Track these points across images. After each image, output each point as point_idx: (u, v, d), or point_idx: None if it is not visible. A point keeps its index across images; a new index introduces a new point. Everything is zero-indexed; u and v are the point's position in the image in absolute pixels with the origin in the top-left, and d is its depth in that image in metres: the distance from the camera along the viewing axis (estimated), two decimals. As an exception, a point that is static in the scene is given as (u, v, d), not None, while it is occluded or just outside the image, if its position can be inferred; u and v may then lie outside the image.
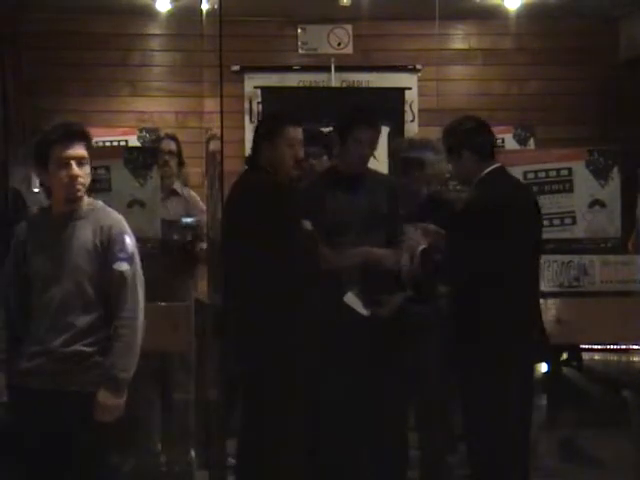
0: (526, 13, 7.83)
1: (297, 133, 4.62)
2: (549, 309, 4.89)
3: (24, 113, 7.45)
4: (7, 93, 7.25)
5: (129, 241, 3.86)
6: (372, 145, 4.78)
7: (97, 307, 3.82)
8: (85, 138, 3.89)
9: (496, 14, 7.94)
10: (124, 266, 3.82)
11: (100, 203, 3.99)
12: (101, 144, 7.35)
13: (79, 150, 3.84)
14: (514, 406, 4.27)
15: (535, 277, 4.51)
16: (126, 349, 3.81)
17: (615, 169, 5.47)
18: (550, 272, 5.25)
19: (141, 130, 7.67)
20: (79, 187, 3.84)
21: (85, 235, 3.84)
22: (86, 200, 3.93)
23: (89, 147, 3.90)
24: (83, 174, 3.85)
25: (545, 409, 6.76)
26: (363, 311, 4.57)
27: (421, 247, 4.43)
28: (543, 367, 7.01)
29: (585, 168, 5.49)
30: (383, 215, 4.76)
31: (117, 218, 3.94)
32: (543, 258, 4.87)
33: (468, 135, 4.38)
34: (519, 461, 4.35)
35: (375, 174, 4.98)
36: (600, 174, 5.46)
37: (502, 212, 4.22)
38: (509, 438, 4.26)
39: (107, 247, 3.82)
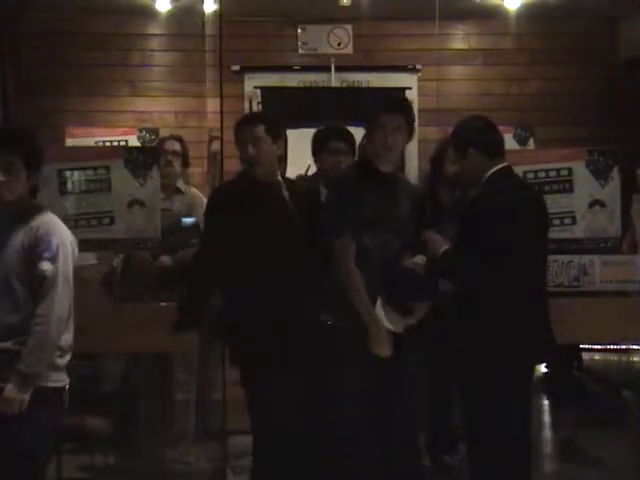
0: (526, 13, 7.83)
1: (246, 133, 4.68)
2: (549, 309, 4.88)
3: (24, 113, 7.45)
4: (7, 93, 7.26)
5: (55, 241, 3.93)
6: (394, 132, 4.49)
7: (27, 306, 3.90)
8: (14, 144, 3.95)
9: (496, 14, 7.94)
10: (46, 265, 3.89)
11: (38, 206, 4.06)
12: (101, 144, 7.37)
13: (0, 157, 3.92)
14: (517, 407, 4.27)
15: (542, 277, 4.50)
16: (36, 346, 3.85)
17: (615, 169, 5.48)
18: (550, 272, 5.25)
19: (141, 130, 7.67)
20: (1, 192, 3.93)
21: (17, 236, 3.94)
22: (27, 203, 4.01)
23: (24, 152, 3.96)
24: (7, 180, 3.92)
25: (546, 409, 6.78)
26: (397, 328, 4.43)
27: (443, 248, 4.41)
28: (543, 367, 7.02)
29: (585, 168, 5.49)
30: (406, 221, 4.62)
31: (47, 219, 4.02)
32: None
33: (474, 134, 4.38)
34: (521, 461, 4.35)
35: (406, 181, 4.91)
36: (600, 174, 5.47)
37: (512, 211, 4.22)
38: (511, 439, 4.26)
39: (33, 247, 3.92)
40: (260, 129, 4.67)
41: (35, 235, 3.92)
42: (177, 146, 6.15)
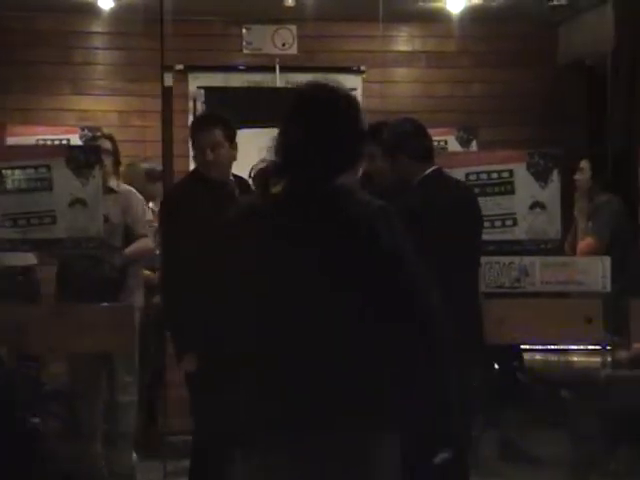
0: (469, 16, 7.89)
1: (204, 138, 4.72)
2: (490, 310, 4.92)
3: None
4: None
5: None
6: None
7: None
8: None
9: (440, 17, 7.99)
10: None
11: None
12: (42, 142, 7.29)
13: None
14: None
15: (475, 278, 4.53)
16: None
17: (555, 171, 5.54)
18: (491, 273, 5.29)
19: (83, 129, 7.60)
20: None
21: None
22: None
23: None
24: None
25: (485, 409, 6.82)
26: None
27: None
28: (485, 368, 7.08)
29: (526, 170, 5.55)
30: None
31: None
32: (484, 259, 4.91)
33: (402, 138, 4.39)
34: (459, 461, 4.38)
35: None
36: (540, 176, 5.52)
37: (443, 213, 4.24)
38: None
39: None
40: (219, 134, 4.67)
41: None
42: (108, 144, 6.04)
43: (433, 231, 4.17)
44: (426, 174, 4.33)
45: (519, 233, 5.52)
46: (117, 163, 6.13)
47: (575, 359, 7.06)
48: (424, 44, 8.52)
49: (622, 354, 5.93)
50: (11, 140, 7.36)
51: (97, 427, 5.81)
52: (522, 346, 6.86)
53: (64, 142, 7.32)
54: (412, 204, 4.33)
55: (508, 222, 5.53)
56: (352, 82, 8.23)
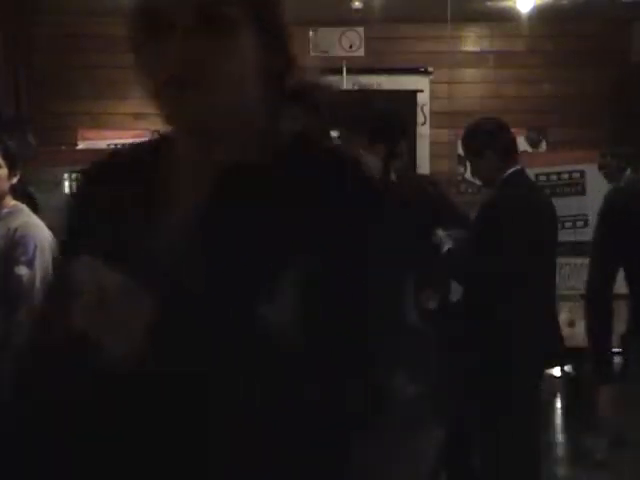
0: (538, 15, 7.81)
1: None
2: (561, 312, 4.86)
3: (36, 116, 7.47)
4: (19, 96, 7.27)
5: (32, 244, 3.74)
6: None
7: (2, 313, 3.68)
8: None
9: (508, 16, 7.92)
10: (22, 270, 3.70)
11: (21, 206, 3.90)
12: (113, 147, 7.38)
13: None
14: (528, 410, 4.25)
15: (551, 279, 4.49)
16: (15, 356, 3.51)
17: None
18: (562, 275, 5.23)
19: (153, 133, 7.66)
20: None
21: None
22: (9, 203, 3.86)
23: (3, 150, 3.81)
24: None
25: (559, 412, 6.75)
26: None
27: (447, 247, 4.37)
28: (556, 370, 7.00)
29: (597, 170, 5.48)
30: None
31: (26, 221, 3.84)
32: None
33: (491, 135, 4.34)
34: (531, 466, 4.33)
35: None
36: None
37: (530, 214, 4.21)
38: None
39: (10, 250, 3.73)
40: None
41: (12, 237, 3.73)
42: None
43: (515, 232, 4.14)
44: (510, 172, 4.29)
45: (591, 234, 5.45)
46: None
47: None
48: (492, 44, 8.46)
49: None
50: (82, 144, 7.46)
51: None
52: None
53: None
54: (498, 206, 4.29)
55: (579, 223, 5.46)
56: (419, 83, 8.21)
